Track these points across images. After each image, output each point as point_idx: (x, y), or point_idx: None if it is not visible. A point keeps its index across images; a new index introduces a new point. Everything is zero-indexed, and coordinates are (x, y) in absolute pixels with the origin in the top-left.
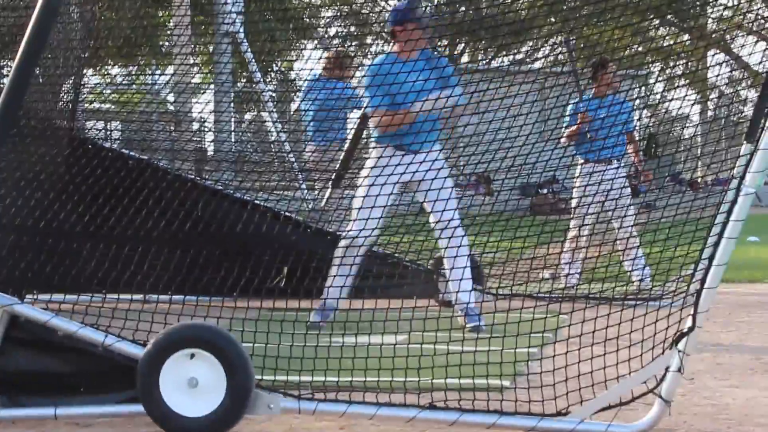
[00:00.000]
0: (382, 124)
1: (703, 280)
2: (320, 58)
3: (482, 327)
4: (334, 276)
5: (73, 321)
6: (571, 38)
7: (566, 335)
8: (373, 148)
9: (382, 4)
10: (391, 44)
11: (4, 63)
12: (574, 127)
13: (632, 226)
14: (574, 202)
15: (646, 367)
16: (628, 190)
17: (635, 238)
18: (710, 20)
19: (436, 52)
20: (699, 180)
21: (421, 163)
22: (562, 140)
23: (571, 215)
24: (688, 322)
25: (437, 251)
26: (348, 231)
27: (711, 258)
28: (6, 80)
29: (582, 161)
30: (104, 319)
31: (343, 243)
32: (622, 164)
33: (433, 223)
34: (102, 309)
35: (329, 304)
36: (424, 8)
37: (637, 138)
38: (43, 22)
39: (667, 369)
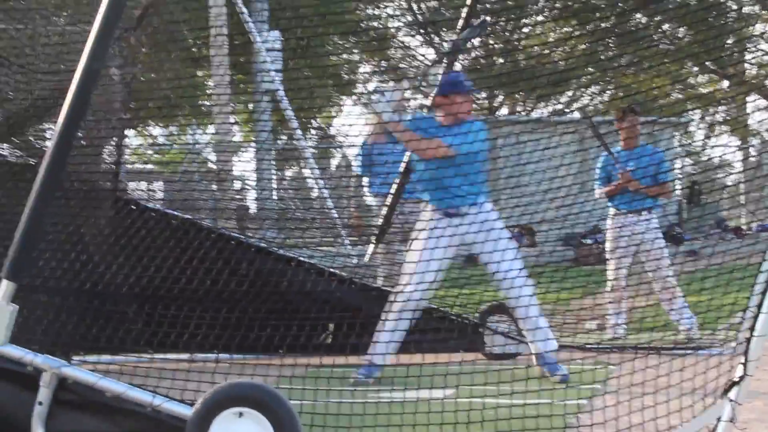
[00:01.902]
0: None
1: (752, 329)
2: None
3: (567, 376)
4: (383, 333)
5: (121, 382)
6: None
7: (616, 386)
8: (424, 210)
9: (420, 58)
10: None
11: (47, 126)
12: (614, 184)
13: (672, 276)
14: (607, 254)
15: (698, 418)
16: (662, 240)
17: (676, 288)
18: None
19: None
20: (744, 226)
21: (470, 224)
22: (596, 193)
23: (607, 267)
24: (739, 371)
25: (483, 304)
26: (402, 291)
27: (760, 306)
28: (49, 143)
29: (614, 212)
30: (152, 380)
31: (397, 304)
32: (654, 215)
33: (499, 281)
34: (149, 369)
35: (376, 361)
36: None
37: (670, 187)
38: (84, 86)
39: (718, 419)
